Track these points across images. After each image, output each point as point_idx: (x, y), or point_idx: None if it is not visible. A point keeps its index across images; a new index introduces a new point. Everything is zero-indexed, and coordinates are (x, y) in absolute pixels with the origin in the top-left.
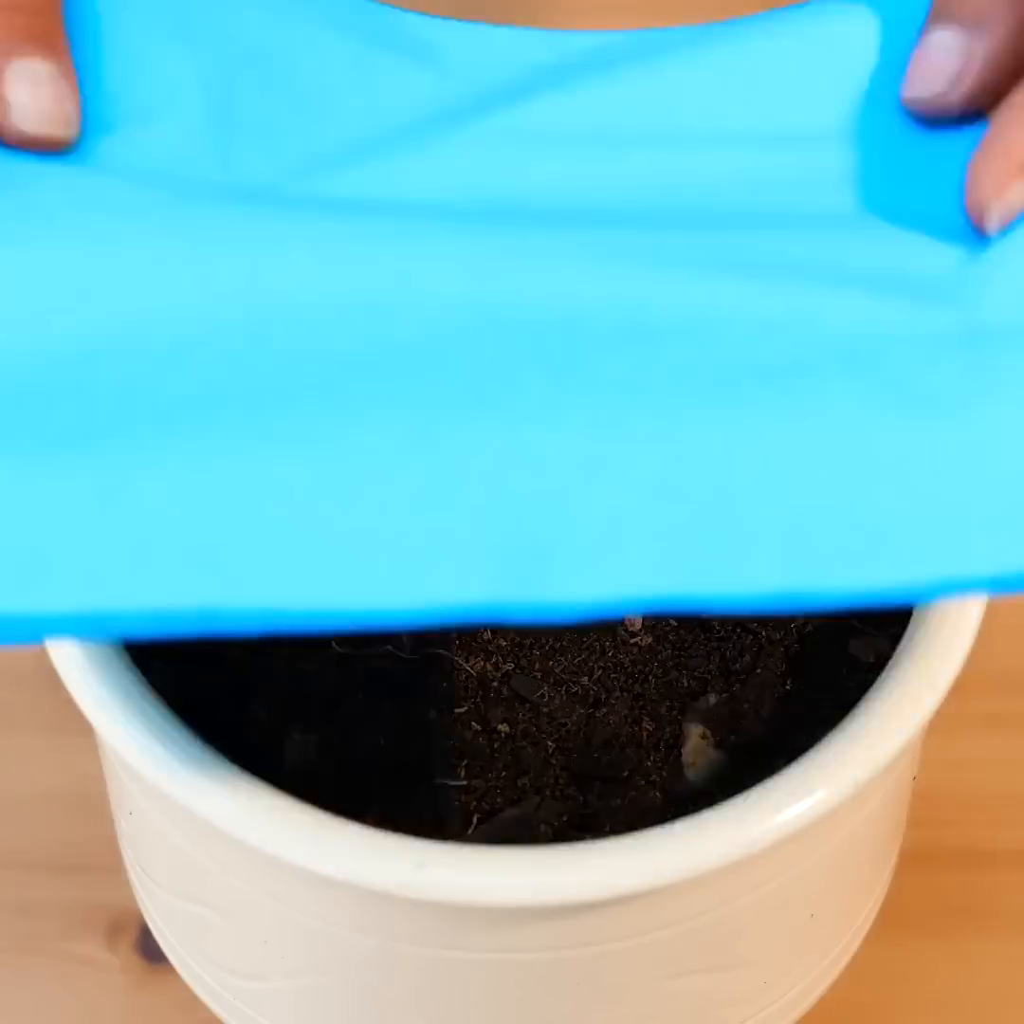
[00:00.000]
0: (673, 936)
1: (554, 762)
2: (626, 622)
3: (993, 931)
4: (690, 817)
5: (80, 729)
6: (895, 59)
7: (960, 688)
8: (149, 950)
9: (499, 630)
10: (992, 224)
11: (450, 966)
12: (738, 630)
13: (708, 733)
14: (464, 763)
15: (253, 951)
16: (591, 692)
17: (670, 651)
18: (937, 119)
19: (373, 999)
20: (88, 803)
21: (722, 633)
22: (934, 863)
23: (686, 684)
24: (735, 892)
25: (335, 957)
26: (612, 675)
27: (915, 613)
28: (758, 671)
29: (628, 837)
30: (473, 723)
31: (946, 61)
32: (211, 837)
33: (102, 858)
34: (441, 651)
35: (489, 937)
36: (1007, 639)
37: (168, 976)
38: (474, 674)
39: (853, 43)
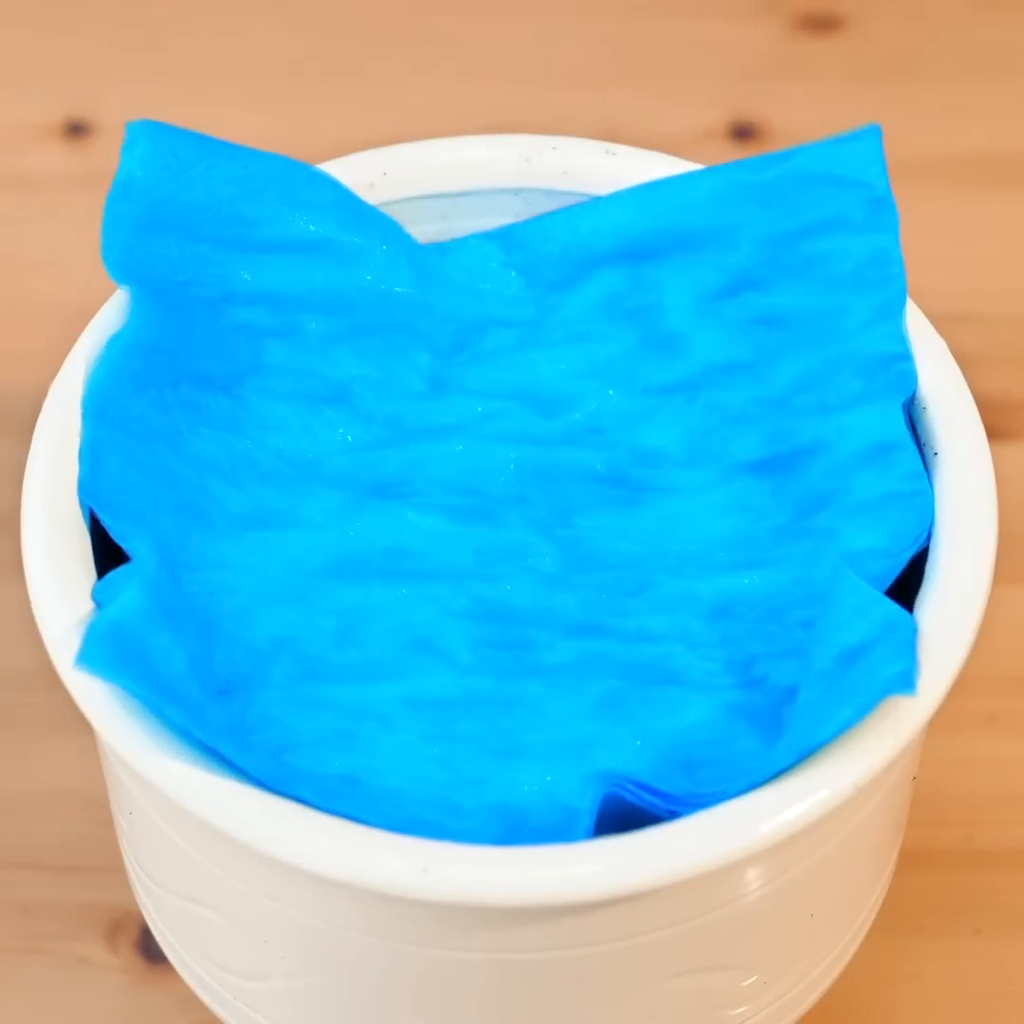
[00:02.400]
0: (673, 936)
1: None
2: None
3: (992, 931)
4: (691, 817)
5: (80, 729)
6: None
7: (960, 688)
8: (149, 950)
9: None
10: None
11: (450, 966)
12: None
13: None
14: None
15: (253, 951)
16: None
17: None
18: None
19: (373, 999)
20: (88, 803)
21: None
22: (934, 863)
23: None
24: (735, 892)
25: (335, 957)
26: None
27: (915, 612)
28: None
29: (628, 836)
30: None
31: None
32: (210, 837)
33: (102, 858)
34: None
35: (489, 937)
36: (1007, 639)
37: (168, 976)
38: None
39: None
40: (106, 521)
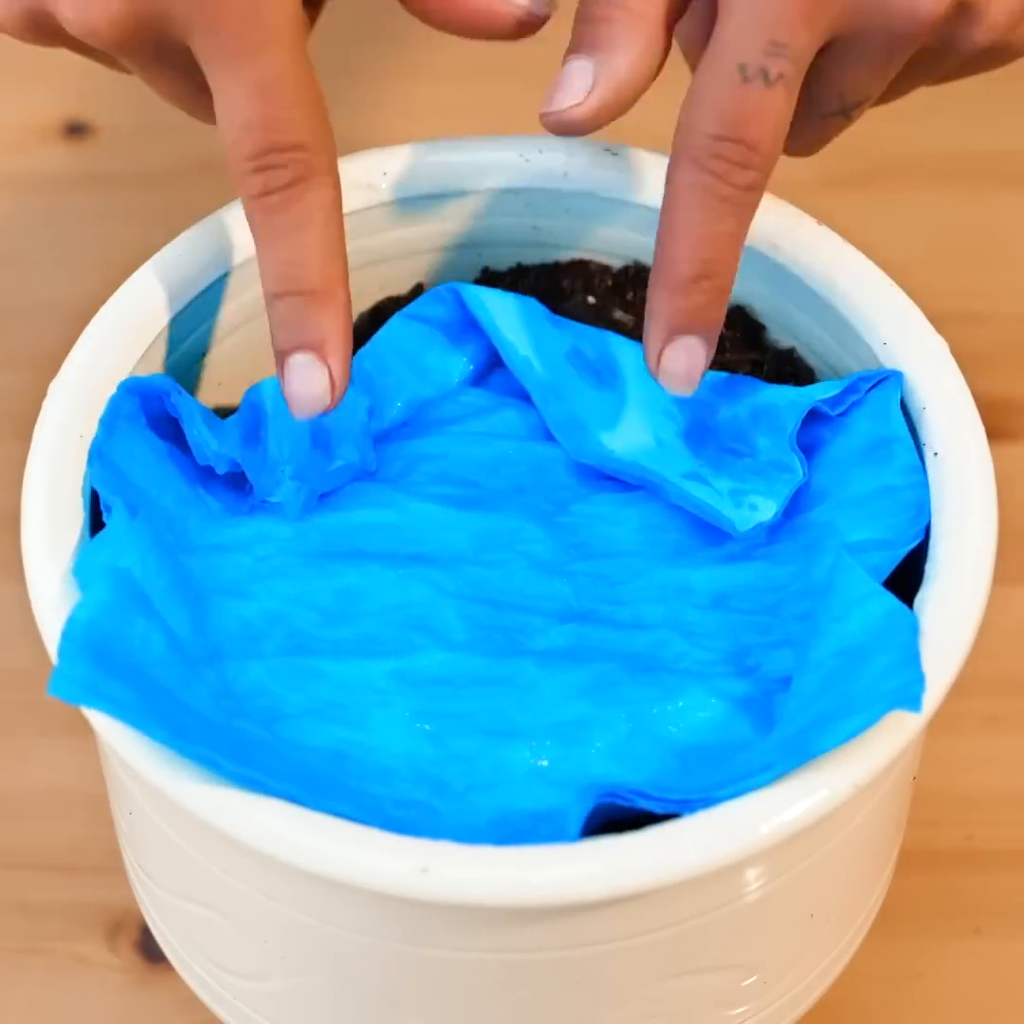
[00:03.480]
0: (673, 936)
1: None
2: None
3: (993, 931)
4: (690, 817)
5: (80, 729)
6: None
7: (960, 688)
8: (149, 950)
9: None
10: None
11: (450, 966)
12: None
13: None
14: None
15: (253, 951)
16: None
17: None
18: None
19: (373, 999)
20: (88, 803)
21: None
22: (934, 863)
23: None
24: (735, 892)
25: (335, 957)
26: None
27: (915, 612)
28: None
29: (628, 836)
30: None
31: (575, 81)
32: (210, 837)
33: (102, 858)
34: None
35: (489, 937)
36: (1007, 639)
37: (168, 976)
38: None
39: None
40: (97, 481)
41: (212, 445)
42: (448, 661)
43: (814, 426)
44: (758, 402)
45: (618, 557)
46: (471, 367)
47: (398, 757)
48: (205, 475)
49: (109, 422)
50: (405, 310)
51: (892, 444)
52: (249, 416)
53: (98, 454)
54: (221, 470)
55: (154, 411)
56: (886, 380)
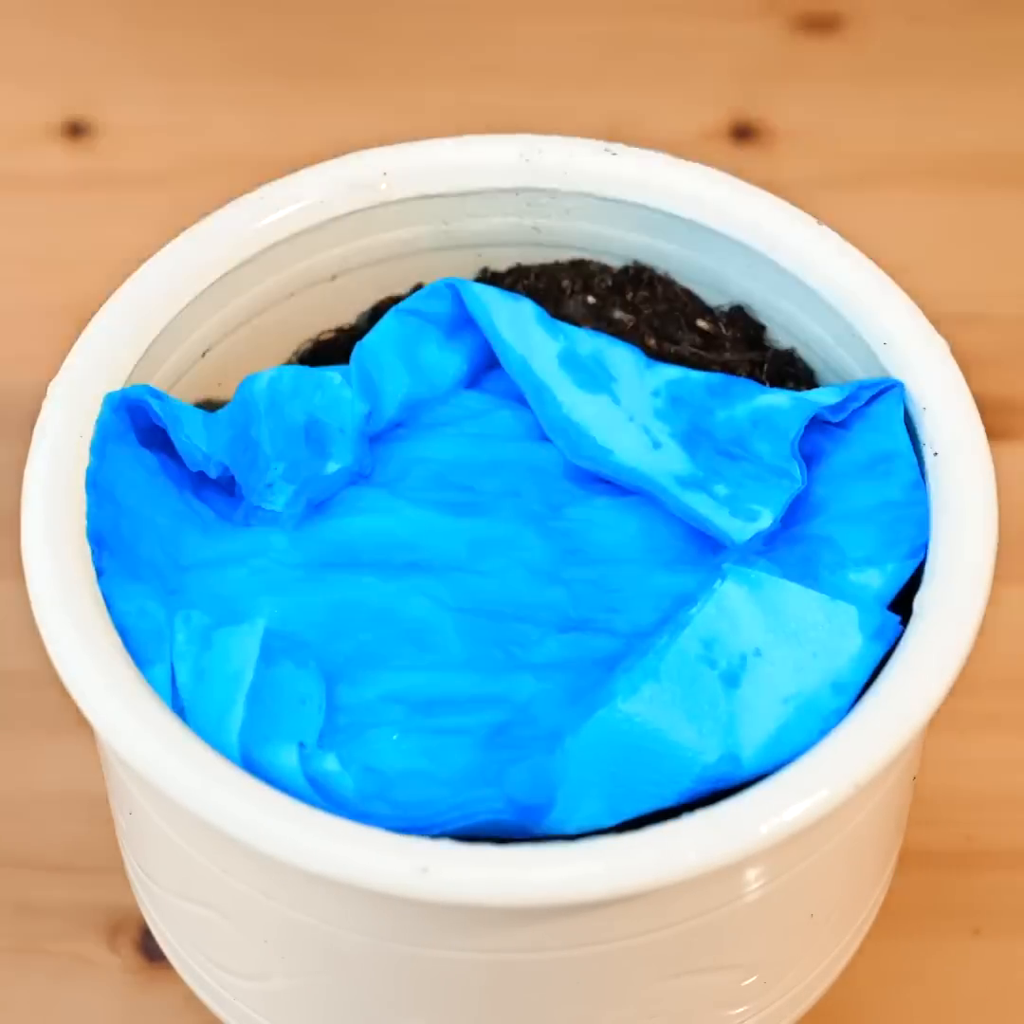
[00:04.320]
0: (673, 936)
1: None
2: None
3: (992, 931)
4: (690, 816)
5: (80, 729)
6: None
7: (960, 688)
8: (149, 950)
9: None
10: None
11: (450, 966)
12: None
13: None
14: None
15: (253, 951)
16: None
17: None
18: None
19: (373, 999)
20: (88, 803)
21: None
22: (934, 863)
23: None
24: (735, 892)
25: (335, 957)
26: None
27: (915, 612)
28: None
29: (628, 837)
30: None
31: None
32: (210, 837)
33: (102, 858)
34: None
35: (490, 937)
36: (1007, 639)
37: (168, 976)
38: None
39: None
40: (91, 516)
41: (201, 450)
42: (445, 678)
43: (813, 434)
44: (758, 407)
45: (616, 563)
46: (467, 365)
47: (396, 774)
48: (198, 480)
49: (99, 447)
50: (402, 304)
51: (894, 459)
52: (241, 413)
53: (92, 484)
54: (213, 474)
55: (143, 422)
56: (889, 391)
